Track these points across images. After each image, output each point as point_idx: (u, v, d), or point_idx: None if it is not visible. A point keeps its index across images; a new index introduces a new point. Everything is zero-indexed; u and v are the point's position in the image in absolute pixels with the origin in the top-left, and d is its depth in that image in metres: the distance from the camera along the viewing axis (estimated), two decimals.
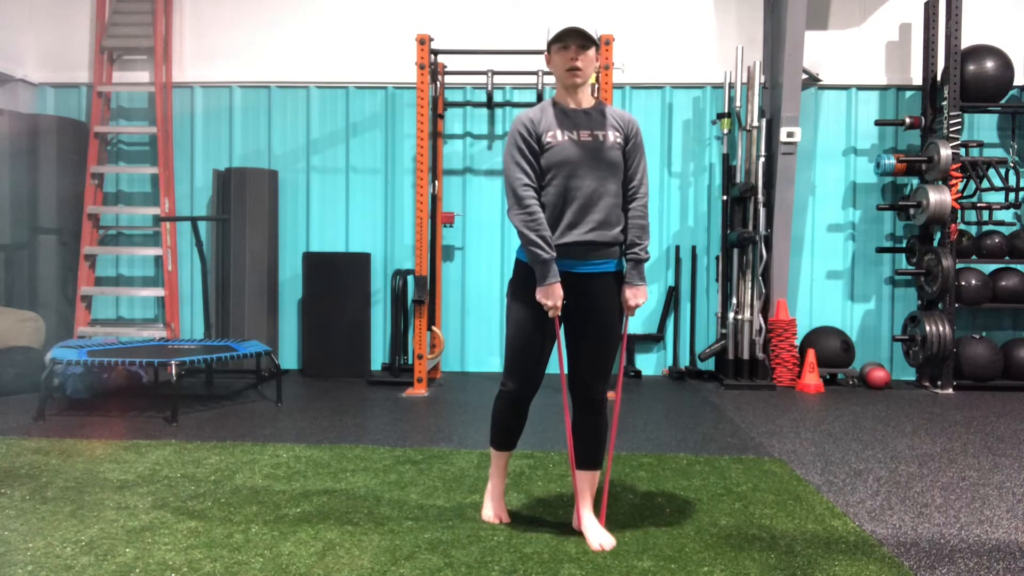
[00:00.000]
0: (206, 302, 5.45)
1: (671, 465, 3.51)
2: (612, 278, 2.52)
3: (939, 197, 5.63)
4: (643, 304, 2.57)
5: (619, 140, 2.49)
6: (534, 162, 2.45)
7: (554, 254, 2.40)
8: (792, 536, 2.62)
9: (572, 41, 2.42)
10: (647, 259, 2.54)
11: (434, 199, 5.80)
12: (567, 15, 2.50)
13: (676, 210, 6.35)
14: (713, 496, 3.05)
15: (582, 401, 2.55)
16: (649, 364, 6.39)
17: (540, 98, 5.92)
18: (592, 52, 2.45)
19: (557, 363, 5.60)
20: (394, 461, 3.50)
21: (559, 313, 2.45)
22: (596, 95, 5.32)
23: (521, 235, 2.42)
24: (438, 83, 5.74)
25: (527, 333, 2.49)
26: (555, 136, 2.43)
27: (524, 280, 2.50)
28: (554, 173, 2.44)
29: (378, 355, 6.38)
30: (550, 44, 2.47)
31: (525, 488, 3.12)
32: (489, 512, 2.73)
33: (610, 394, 4.53)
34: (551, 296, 2.40)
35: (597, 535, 2.51)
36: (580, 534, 2.58)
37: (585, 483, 2.58)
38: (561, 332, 2.56)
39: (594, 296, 2.49)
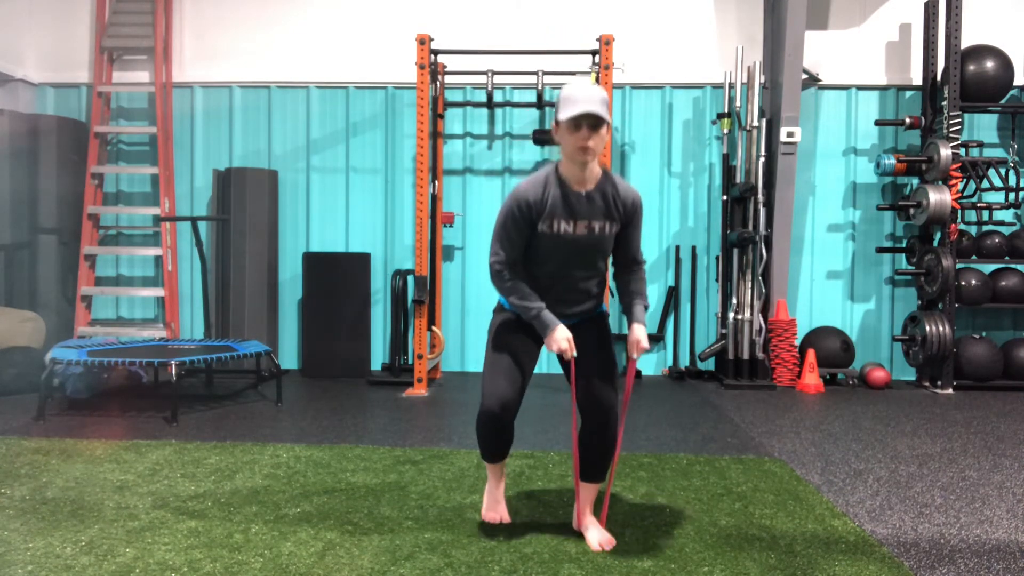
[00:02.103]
0: (206, 302, 5.45)
1: (671, 465, 3.51)
2: (599, 317, 2.62)
3: (939, 197, 5.62)
4: (646, 349, 2.58)
5: (616, 228, 2.49)
6: (521, 240, 2.44)
7: (543, 304, 2.43)
8: (792, 536, 2.62)
9: (585, 122, 2.29)
10: (649, 307, 2.64)
11: (434, 199, 5.80)
12: (580, 89, 2.34)
13: (676, 210, 6.35)
14: (713, 496, 3.05)
15: (596, 416, 2.50)
16: (649, 364, 6.39)
17: (540, 98, 5.93)
18: (604, 129, 2.32)
19: (558, 363, 5.59)
20: (394, 461, 3.50)
21: (575, 352, 2.44)
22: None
23: (511, 304, 2.48)
24: (438, 83, 5.74)
25: (509, 342, 2.51)
26: (551, 226, 2.40)
27: (503, 314, 2.57)
28: (544, 257, 2.46)
29: (378, 355, 6.38)
30: (558, 120, 2.35)
31: (525, 488, 3.12)
32: (489, 512, 2.73)
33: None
34: (560, 339, 2.40)
35: (598, 535, 2.51)
36: (580, 534, 2.59)
37: (587, 494, 2.59)
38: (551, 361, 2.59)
39: (587, 333, 2.56)
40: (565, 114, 2.28)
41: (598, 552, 2.45)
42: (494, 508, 2.73)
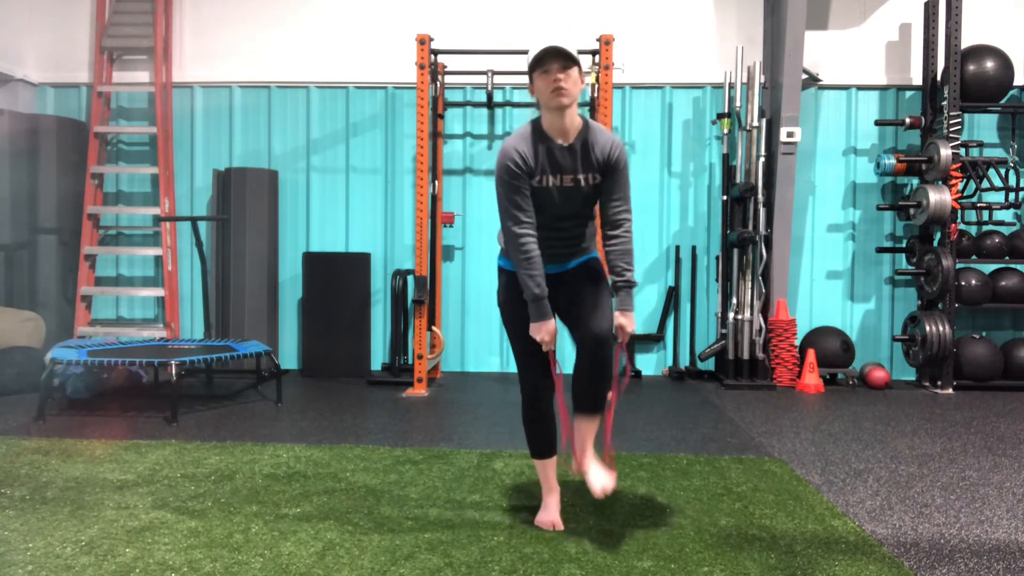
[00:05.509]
0: (206, 302, 5.45)
1: (671, 465, 3.51)
2: (591, 261, 2.63)
3: (939, 197, 5.62)
4: (632, 332, 2.58)
5: (598, 179, 2.47)
6: (527, 197, 2.42)
7: (546, 292, 2.44)
8: (792, 536, 2.62)
9: (553, 62, 2.33)
10: (636, 285, 2.57)
11: (434, 199, 5.80)
12: (546, 41, 2.41)
13: (676, 210, 6.35)
14: (713, 496, 3.05)
15: (587, 342, 2.46)
16: (649, 364, 6.39)
17: None
18: (575, 72, 2.35)
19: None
20: (394, 461, 3.51)
21: (552, 347, 2.49)
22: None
23: (517, 272, 2.45)
24: (438, 83, 5.74)
25: (525, 334, 2.52)
26: (541, 181, 2.43)
27: (507, 286, 2.59)
28: (535, 210, 2.48)
29: (378, 355, 6.38)
30: (531, 72, 2.39)
31: (525, 488, 3.12)
32: (543, 518, 2.69)
33: (610, 395, 4.52)
34: (543, 332, 2.45)
35: (598, 477, 2.49)
36: (580, 534, 2.59)
37: (584, 429, 2.54)
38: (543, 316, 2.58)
39: (577, 277, 2.60)
40: (533, 60, 2.35)
41: (600, 497, 2.47)
42: (548, 514, 2.69)
